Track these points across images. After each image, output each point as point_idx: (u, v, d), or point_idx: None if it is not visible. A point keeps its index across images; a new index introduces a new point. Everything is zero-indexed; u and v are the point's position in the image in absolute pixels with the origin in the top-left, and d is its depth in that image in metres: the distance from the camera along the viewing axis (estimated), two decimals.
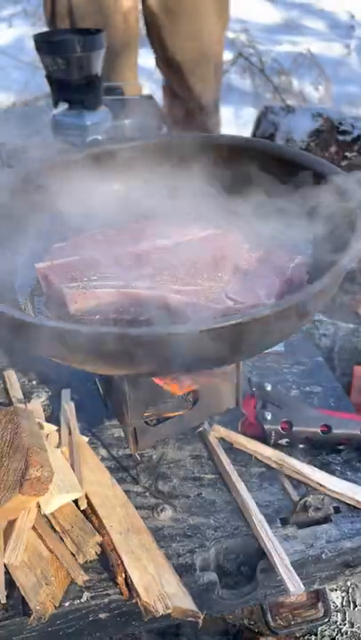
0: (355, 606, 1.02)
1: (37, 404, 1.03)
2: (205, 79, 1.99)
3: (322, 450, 0.95)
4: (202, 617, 0.75)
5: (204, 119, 1.97)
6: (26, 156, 1.31)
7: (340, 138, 1.74)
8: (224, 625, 1.00)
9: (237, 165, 0.95)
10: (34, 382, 1.10)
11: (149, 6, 1.96)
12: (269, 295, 0.73)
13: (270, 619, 0.94)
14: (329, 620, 0.98)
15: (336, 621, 1.01)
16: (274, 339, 0.67)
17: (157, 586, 0.75)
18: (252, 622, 0.99)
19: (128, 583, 0.77)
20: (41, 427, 0.95)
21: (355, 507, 0.87)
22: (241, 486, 0.89)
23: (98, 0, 1.90)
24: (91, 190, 0.96)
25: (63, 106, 1.78)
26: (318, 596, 0.98)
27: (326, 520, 0.86)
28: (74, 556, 0.81)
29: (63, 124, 1.78)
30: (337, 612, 1.01)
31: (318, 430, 0.92)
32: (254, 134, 1.82)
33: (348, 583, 1.02)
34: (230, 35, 4.25)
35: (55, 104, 1.80)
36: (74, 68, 1.73)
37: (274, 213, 0.90)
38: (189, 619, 0.75)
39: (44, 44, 1.71)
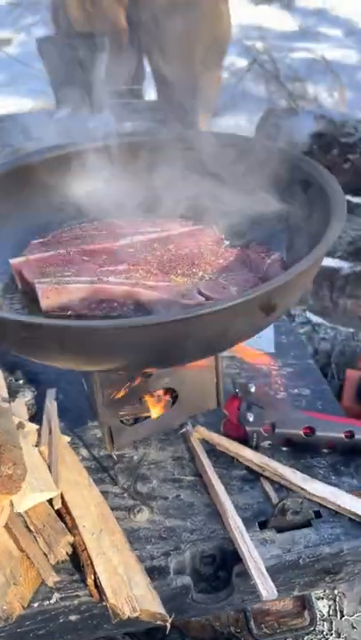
0: (342, 615, 0.99)
1: (21, 403, 1.02)
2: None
3: (306, 453, 0.93)
4: (170, 620, 0.73)
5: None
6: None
7: (343, 140, 1.72)
8: (212, 632, 0.98)
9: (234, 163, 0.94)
10: (20, 381, 1.09)
11: None
12: (242, 292, 0.71)
13: (254, 626, 0.91)
14: (315, 630, 0.95)
15: (322, 631, 0.98)
16: (236, 335, 0.65)
17: (126, 588, 0.74)
18: (237, 630, 0.96)
19: (97, 585, 0.75)
20: (22, 425, 0.94)
21: (336, 512, 0.84)
22: (220, 489, 0.87)
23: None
24: (74, 187, 0.96)
25: (66, 109, 1.79)
26: (304, 605, 0.96)
27: (306, 525, 0.83)
28: (46, 556, 0.80)
29: (66, 127, 1.79)
30: (323, 621, 0.98)
31: (301, 433, 0.90)
32: (256, 137, 1.81)
33: (336, 592, 1.00)
34: (246, 42, 4.27)
35: (58, 108, 1.82)
36: (76, 72, 1.74)
37: (256, 209, 0.89)
38: (158, 622, 0.73)
39: (46, 47, 1.73)
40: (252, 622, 0.91)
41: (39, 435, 0.94)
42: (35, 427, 0.95)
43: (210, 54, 2.00)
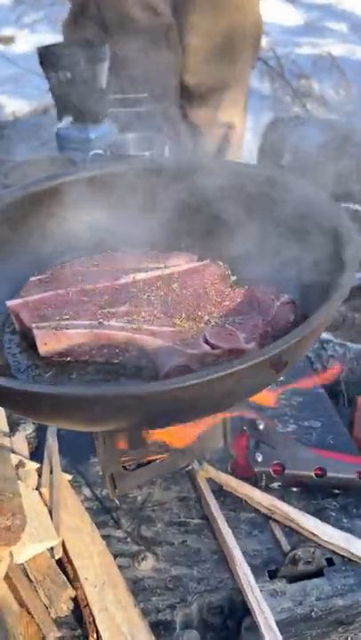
0: None
1: (22, 438, 0.99)
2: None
3: (317, 493, 0.89)
4: None
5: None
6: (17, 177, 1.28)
7: (351, 151, 1.67)
8: None
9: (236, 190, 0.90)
10: None
11: None
12: (250, 339, 0.67)
13: None
14: None
15: None
16: (243, 393, 0.61)
17: None
18: None
19: None
20: (22, 464, 0.91)
21: (349, 559, 0.81)
22: (228, 534, 0.84)
23: None
24: (73, 218, 0.92)
25: (67, 119, 1.75)
26: None
27: (318, 574, 0.80)
28: (47, 608, 0.76)
29: (67, 138, 1.75)
30: None
31: (312, 474, 0.86)
32: (262, 147, 1.76)
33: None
34: None
35: (59, 118, 1.77)
36: (78, 82, 1.69)
37: (263, 244, 0.85)
38: None
39: (47, 57, 1.68)
40: None
41: (39, 474, 0.91)
42: (35, 465, 0.92)
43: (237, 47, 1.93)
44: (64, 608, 0.75)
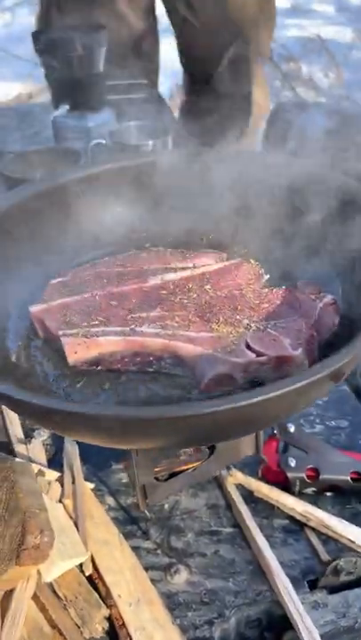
0: None
1: (38, 445, 0.95)
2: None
3: (350, 498, 0.86)
4: None
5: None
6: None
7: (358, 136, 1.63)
8: None
9: (256, 183, 0.86)
10: None
11: None
12: (296, 344, 0.63)
13: None
14: None
15: None
16: (300, 406, 0.57)
17: None
18: None
19: None
20: (42, 473, 0.87)
21: None
22: (263, 543, 0.80)
23: None
24: (91, 214, 0.87)
25: (64, 107, 1.68)
26: None
27: (359, 583, 0.77)
28: (79, 627, 0.73)
29: (64, 127, 1.68)
30: None
31: (348, 478, 0.83)
32: (267, 134, 1.71)
33: None
34: None
35: (56, 106, 1.70)
36: (74, 68, 1.63)
37: (295, 238, 0.81)
38: None
39: (42, 42, 1.61)
40: None
41: (61, 484, 0.87)
42: (55, 474, 0.88)
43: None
44: (99, 629, 0.72)
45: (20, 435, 0.98)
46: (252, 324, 0.67)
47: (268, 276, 0.78)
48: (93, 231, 0.87)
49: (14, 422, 1.01)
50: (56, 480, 0.87)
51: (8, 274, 0.78)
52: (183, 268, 0.76)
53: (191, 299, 0.71)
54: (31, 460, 0.92)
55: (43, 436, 0.98)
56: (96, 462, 0.93)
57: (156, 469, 0.76)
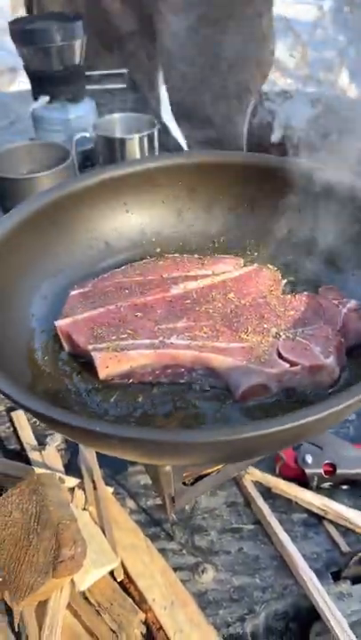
0: None
1: (53, 451, 0.95)
2: None
3: None
4: None
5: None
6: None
7: (340, 124, 1.65)
8: None
9: (262, 185, 0.87)
10: None
11: None
12: (327, 352, 0.65)
13: None
14: None
15: None
16: (340, 420, 0.59)
17: None
18: None
19: None
20: (62, 481, 0.87)
21: None
22: (285, 538, 0.83)
23: None
24: (101, 222, 0.87)
25: (44, 99, 1.65)
26: None
27: None
28: (115, 633, 0.74)
29: (45, 119, 1.65)
30: None
31: None
32: (250, 124, 1.71)
33: None
34: None
35: (35, 97, 1.67)
36: (54, 58, 1.59)
37: (312, 242, 0.82)
38: None
39: (20, 32, 1.57)
40: None
41: (82, 490, 0.88)
42: (75, 481, 0.89)
43: None
44: (138, 634, 0.73)
45: (33, 441, 0.98)
46: (281, 333, 0.68)
47: (285, 280, 0.79)
48: (104, 239, 0.87)
49: (25, 429, 1.01)
50: (77, 487, 0.88)
51: (25, 288, 0.77)
52: (203, 276, 0.77)
53: (216, 308, 0.72)
54: (48, 467, 0.92)
55: (56, 441, 0.99)
56: (113, 466, 0.93)
57: (184, 474, 0.77)
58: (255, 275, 0.76)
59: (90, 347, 0.68)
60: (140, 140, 1.47)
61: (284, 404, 0.66)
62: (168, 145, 1.65)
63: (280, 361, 0.64)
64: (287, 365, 0.64)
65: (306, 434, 0.58)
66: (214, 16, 1.69)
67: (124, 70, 1.80)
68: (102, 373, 0.68)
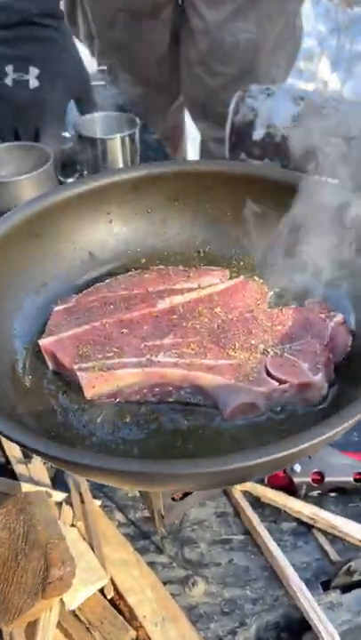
0: None
1: (40, 465, 0.94)
2: None
3: (353, 497, 0.89)
4: None
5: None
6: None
7: (324, 122, 1.64)
8: None
9: (246, 194, 0.86)
10: None
11: None
12: (315, 369, 0.65)
13: None
14: None
15: None
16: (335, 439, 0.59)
17: None
18: None
19: None
20: (49, 495, 0.86)
21: None
22: (275, 549, 0.83)
23: None
24: (84, 233, 0.85)
25: None
26: None
27: None
28: None
29: None
30: None
31: (351, 479, 0.87)
32: (233, 122, 1.70)
33: None
34: None
35: None
36: None
37: (298, 250, 0.81)
38: None
39: None
40: None
41: (68, 504, 0.87)
42: (62, 495, 0.88)
43: None
44: None
45: (19, 454, 0.97)
46: (269, 349, 0.67)
47: (271, 292, 0.78)
48: (88, 249, 0.85)
49: (10, 442, 0.99)
50: (65, 501, 0.87)
51: (7, 304, 0.76)
52: (189, 289, 0.76)
53: (203, 323, 0.71)
54: (34, 481, 0.91)
55: None
56: None
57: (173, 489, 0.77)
58: (242, 287, 0.76)
59: (75, 366, 0.67)
60: (122, 140, 1.44)
61: (274, 422, 0.65)
62: (149, 143, 1.63)
63: (269, 379, 0.64)
64: (276, 384, 0.63)
65: (298, 457, 0.57)
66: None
67: (103, 67, 1.77)
68: (89, 393, 0.67)
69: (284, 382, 0.64)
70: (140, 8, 1.78)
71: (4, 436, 0.53)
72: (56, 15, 1.36)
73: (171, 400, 0.67)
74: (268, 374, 0.65)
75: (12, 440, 0.53)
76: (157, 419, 0.67)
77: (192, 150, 2.45)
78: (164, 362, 0.67)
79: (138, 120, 1.49)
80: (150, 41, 1.86)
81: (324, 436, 0.48)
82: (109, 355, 0.68)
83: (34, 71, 1.35)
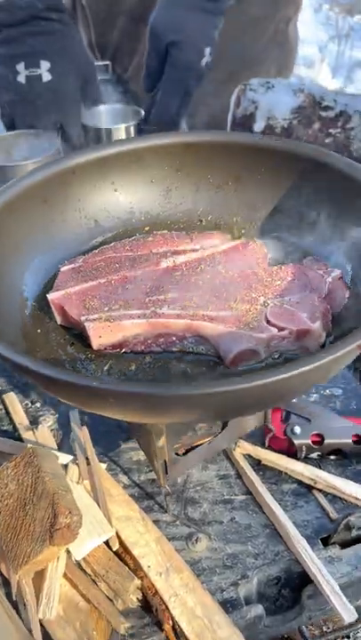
0: None
1: (46, 431, 0.96)
2: None
3: (352, 459, 0.92)
4: None
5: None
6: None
7: (323, 114, 1.68)
8: None
9: (247, 163, 0.89)
10: (37, 404, 1.03)
11: None
12: (314, 318, 0.67)
13: (305, 629, 0.91)
14: None
15: None
16: (327, 377, 0.61)
17: (210, 632, 0.71)
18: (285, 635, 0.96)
19: (176, 630, 0.72)
20: (56, 457, 0.88)
21: None
22: (276, 507, 0.85)
23: None
24: (90, 201, 0.88)
25: None
26: None
27: None
28: (111, 600, 0.76)
29: None
30: None
31: (350, 441, 0.89)
32: (234, 114, 1.73)
33: None
34: None
35: None
36: None
37: (296, 216, 0.84)
38: None
39: None
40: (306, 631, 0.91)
41: (78, 467, 0.89)
42: (69, 457, 0.90)
43: None
44: (133, 599, 0.75)
45: (26, 422, 0.99)
46: (269, 301, 0.70)
47: (270, 255, 0.81)
48: (94, 217, 0.88)
49: (17, 410, 1.02)
50: (71, 462, 0.89)
51: (17, 264, 0.79)
52: (192, 250, 0.79)
53: (205, 279, 0.74)
54: (41, 446, 0.93)
55: (48, 422, 1.00)
56: (105, 444, 0.95)
57: (176, 445, 0.79)
58: (242, 248, 0.78)
59: (83, 317, 0.70)
60: (127, 129, 1.48)
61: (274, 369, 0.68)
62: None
63: (269, 326, 0.66)
64: (275, 330, 0.66)
65: (304, 384, 0.59)
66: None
67: (107, 62, 1.82)
68: (95, 343, 0.69)
69: (284, 329, 0.66)
70: (140, 13, 1.82)
71: (23, 370, 0.55)
72: (60, 8, 1.40)
73: (175, 350, 0.70)
74: (269, 323, 0.67)
75: (30, 372, 0.55)
76: (162, 367, 0.69)
77: None
78: (168, 313, 0.69)
79: (142, 112, 1.53)
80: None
81: (327, 358, 0.51)
82: (115, 307, 0.71)
83: (45, 65, 1.38)
